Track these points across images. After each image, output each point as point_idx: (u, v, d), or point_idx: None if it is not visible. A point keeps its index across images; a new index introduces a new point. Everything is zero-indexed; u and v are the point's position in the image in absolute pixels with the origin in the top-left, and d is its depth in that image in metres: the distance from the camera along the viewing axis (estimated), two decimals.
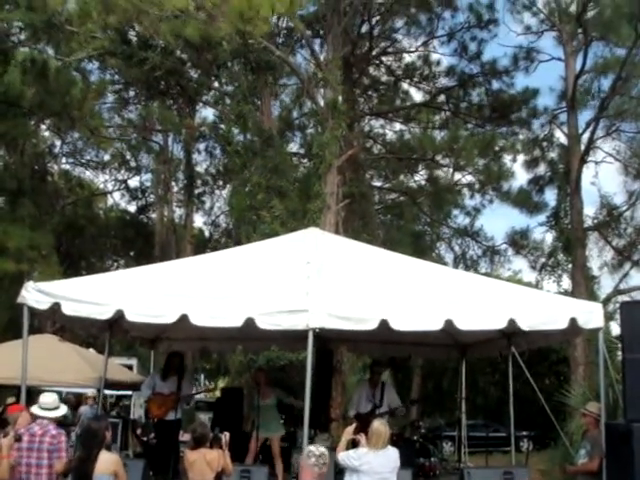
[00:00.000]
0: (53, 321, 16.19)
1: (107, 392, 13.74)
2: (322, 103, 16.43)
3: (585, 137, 20.53)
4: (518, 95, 22.34)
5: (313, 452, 5.24)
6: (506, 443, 12.27)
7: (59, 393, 8.27)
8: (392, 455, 6.47)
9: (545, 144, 23.62)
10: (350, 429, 6.76)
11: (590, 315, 8.09)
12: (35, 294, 7.90)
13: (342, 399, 14.52)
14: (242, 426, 10.46)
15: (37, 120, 22.38)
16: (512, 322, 7.72)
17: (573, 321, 7.91)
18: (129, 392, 15.90)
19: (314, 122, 17.40)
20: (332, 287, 7.96)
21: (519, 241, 25.59)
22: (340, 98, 16.05)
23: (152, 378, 10.33)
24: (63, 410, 6.82)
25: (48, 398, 6.66)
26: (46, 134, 25.41)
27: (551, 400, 10.39)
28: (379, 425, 6.58)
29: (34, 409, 6.62)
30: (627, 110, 19.96)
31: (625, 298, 21.63)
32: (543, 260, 25.23)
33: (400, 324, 7.52)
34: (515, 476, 8.45)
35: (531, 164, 24.08)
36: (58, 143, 26.97)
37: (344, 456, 6.50)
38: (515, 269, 30.01)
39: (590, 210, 23.65)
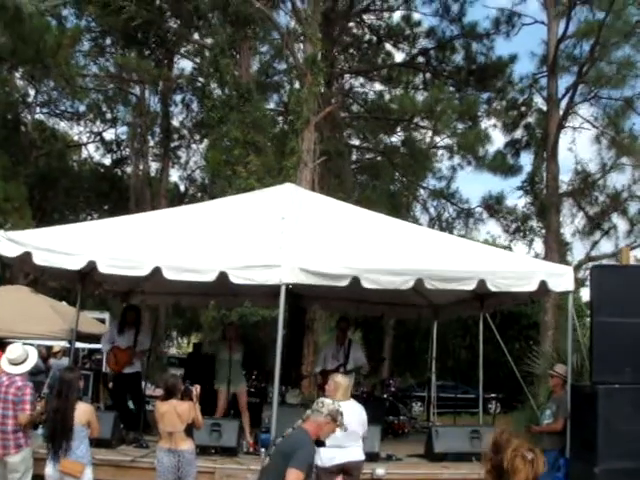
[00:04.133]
0: (26, 273, 16.03)
1: (79, 345, 13.66)
2: (301, 59, 16.24)
3: (564, 103, 20.58)
4: (497, 60, 22.31)
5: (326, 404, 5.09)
6: (474, 405, 12.46)
7: (30, 345, 8.19)
8: (357, 408, 6.46)
9: (524, 108, 23.58)
10: None
11: (561, 278, 8.19)
12: (5, 243, 7.80)
13: (313, 356, 14.64)
14: (213, 382, 10.47)
15: (10, 67, 21.82)
16: (482, 282, 7.79)
17: (543, 283, 8.00)
18: (100, 345, 15.87)
19: (292, 77, 17.18)
20: (306, 243, 7.97)
21: (494, 205, 25.73)
22: (319, 54, 15.86)
23: (111, 332, 10.27)
24: (30, 363, 6.75)
25: (14, 353, 6.59)
26: (20, 83, 24.81)
27: (520, 364, 10.55)
28: (338, 377, 6.61)
29: (3, 363, 6.56)
30: (606, 76, 19.92)
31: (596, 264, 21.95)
32: (516, 225, 25.45)
33: (371, 282, 7.55)
34: (482, 435, 8.62)
35: (509, 127, 24.06)
36: (32, 93, 26.40)
37: None
38: (492, 233, 30.29)
39: (565, 177, 23.82)
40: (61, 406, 5.97)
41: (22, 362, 6.61)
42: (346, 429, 5.26)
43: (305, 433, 4.83)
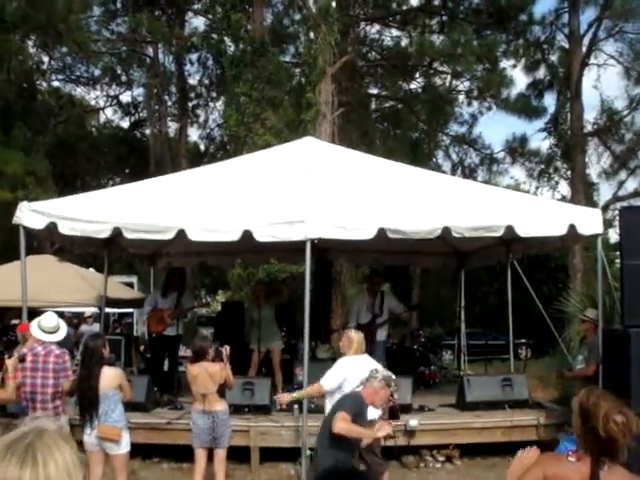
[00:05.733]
0: (52, 242, 16.15)
1: (109, 310, 13.81)
2: (314, 9, 15.89)
3: (587, 39, 20.03)
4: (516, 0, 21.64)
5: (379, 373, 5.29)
6: (505, 351, 12.44)
7: (60, 313, 8.27)
8: (371, 363, 6.37)
9: (546, 47, 22.97)
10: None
11: (589, 221, 8.04)
12: (30, 214, 7.82)
13: (342, 310, 14.67)
14: (243, 340, 10.52)
15: (22, 35, 21.66)
16: (510, 229, 7.67)
17: (572, 227, 7.86)
18: (131, 309, 16.04)
19: (306, 29, 16.82)
20: (329, 197, 7.88)
21: (517, 148, 25.33)
22: (333, 3, 15.51)
23: (153, 296, 10.40)
24: (63, 332, 6.81)
25: (49, 321, 6.64)
26: (33, 50, 24.64)
27: (549, 308, 10.45)
28: (351, 332, 6.74)
29: (35, 331, 6.61)
30: (631, 10, 19.28)
31: (624, 205, 21.62)
32: (541, 167, 25.09)
33: (398, 232, 7.46)
34: (513, 383, 8.61)
35: (531, 68, 23.52)
36: (46, 60, 26.25)
37: (330, 378, 6.35)
38: (516, 178, 29.94)
39: (590, 115, 23.36)
40: (86, 374, 6.02)
41: (56, 331, 6.67)
42: (397, 399, 5.48)
43: (358, 393, 5.18)
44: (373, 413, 5.58)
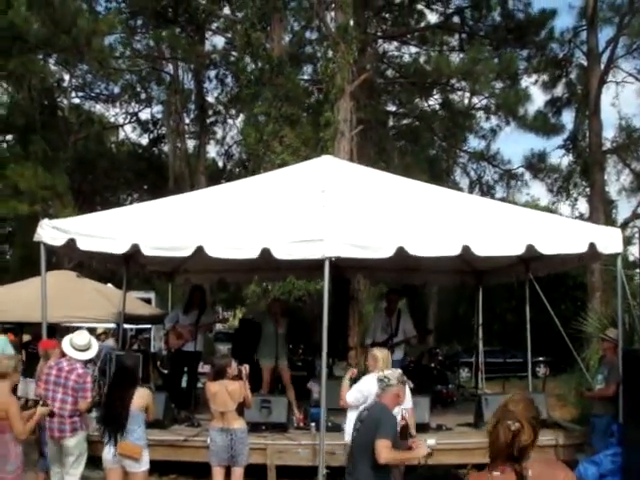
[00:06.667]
0: (70, 258, 16.28)
1: (126, 326, 13.86)
2: (332, 27, 15.98)
3: (605, 57, 19.96)
4: (535, 16, 21.63)
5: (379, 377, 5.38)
6: (523, 369, 12.34)
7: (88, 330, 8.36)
8: None
9: (564, 64, 22.93)
10: (349, 373, 6.99)
11: (609, 240, 7.99)
12: (50, 231, 7.92)
13: (359, 328, 14.61)
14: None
15: (44, 54, 21.98)
16: (531, 247, 7.64)
17: (592, 246, 7.82)
18: (148, 325, 16.09)
19: (325, 47, 16.90)
20: (347, 215, 7.90)
21: (536, 164, 25.22)
22: (351, 21, 15.58)
23: (175, 313, 10.46)
24: (94, 351, 6.88)
25: (82, 339, 6.71)
26: (54, 68, 25.00)
27: (568, 326, 10.37)
28: (375, 350, 6.93)
29: (66, 348, 6.67)
30: None
31: None
32: (559, 184, 24.96)
33: (417, 250, 7.46)
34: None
35: (549, 85, 23.48)
36: (67, 77, 26.62)
37: (353, 392, 6.56)
38: (533, 195, 29.81)
39: (609, 133, 23.26)
40: (120, 394, 6.05)
41: (87, 349, 6.73)
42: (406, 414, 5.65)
43: (383, 406, 5.22)
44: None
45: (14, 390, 6.88)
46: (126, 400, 6.02)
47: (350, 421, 6.23)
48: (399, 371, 5.54)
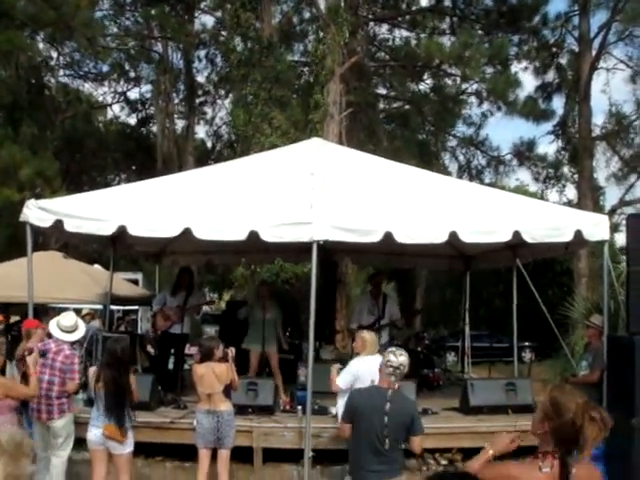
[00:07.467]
0: (57, 238, 16.18)
1: (113, 307, 13.79)
2: (323, 8, 15.86)
3: (597, 43, 19.94)
4: (529, 0, 21.51)
5: (391, 363, 5.21)
6: (509, 354, 12.44)
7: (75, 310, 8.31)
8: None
9: (555, 50, 22.86)
10: (336, 366, 7.03)
11: (596, 227, 8.02)
12: (37, 212, 7.84)
13: (346, 311, 14.65)
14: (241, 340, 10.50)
15: (31, 31, 21.69)
16: (517, 234, 7.66)
17: (578, 233, 7.84)
18: (135, 307, 16.04)
19: (315, 29, 16.78)
20: (336, 199, 7.87)
21: (524, 152, 25.24)
22: (342, 3, 15.47)
23: (163, 294, 10.41)
24: (81, 332, 6.85)
25: (68, 321, 6.68)
26: (41, 46, 24.69)
27: (554, 312, 10.43)
28: (364, 333, 7.04)
29: (53, 329, 6.64)
30: None
31: (630, 209, 21.58)
32: (547, 172, 25.02)
33: (405, 236, 7.45)
34: (517, 387, 8.57)
35: (540, 70, 23.41)
36: (55, 55, 26.29)
37: (344, 376, 6.66)
38: (522, 180, 29.86)
39: (599, 119, 23.30)
40: (116, 376, 6.04)
41: (73, 331, 6.70)
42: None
43: (413, 402, 5.69)
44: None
45: (2, 372, 6.85)
46: (123, 382, 6.05)
47: (341, 406, 6.26)
48: (402, 365, 5.27)
